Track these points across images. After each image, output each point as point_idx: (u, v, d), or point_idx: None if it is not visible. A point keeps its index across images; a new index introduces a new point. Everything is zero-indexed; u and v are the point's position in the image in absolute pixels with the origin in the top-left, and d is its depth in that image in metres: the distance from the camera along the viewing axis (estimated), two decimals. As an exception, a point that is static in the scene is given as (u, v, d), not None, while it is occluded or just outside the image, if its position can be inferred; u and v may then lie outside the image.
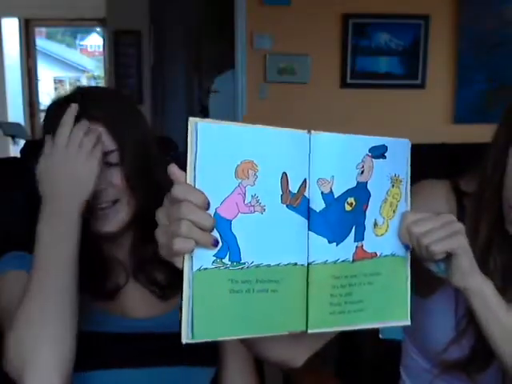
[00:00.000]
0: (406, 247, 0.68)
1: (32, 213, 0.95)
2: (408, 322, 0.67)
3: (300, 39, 3.33)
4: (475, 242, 0.82)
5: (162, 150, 0.96)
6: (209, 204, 0.53)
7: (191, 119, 0.52)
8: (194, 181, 0.52)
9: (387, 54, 3.40)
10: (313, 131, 0.59)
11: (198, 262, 0.53)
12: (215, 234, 0.53)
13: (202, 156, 0.52)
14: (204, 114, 4.82)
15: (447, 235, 0.67)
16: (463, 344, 0.86)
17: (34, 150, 1.01)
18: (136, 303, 0.93)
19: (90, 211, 0.85)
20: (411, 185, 0.71)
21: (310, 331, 0.60)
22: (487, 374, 0.86)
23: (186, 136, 0.53)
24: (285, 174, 0.57)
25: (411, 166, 0.68)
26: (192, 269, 0.52)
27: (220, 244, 0.53)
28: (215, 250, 0.53)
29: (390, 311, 0.66)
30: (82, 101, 0.87)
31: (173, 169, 0.54)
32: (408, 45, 3.40)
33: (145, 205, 0.88)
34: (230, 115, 3.48)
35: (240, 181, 0.54)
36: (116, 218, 0.88)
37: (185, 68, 5.56)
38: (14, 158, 1.02)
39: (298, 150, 0.58)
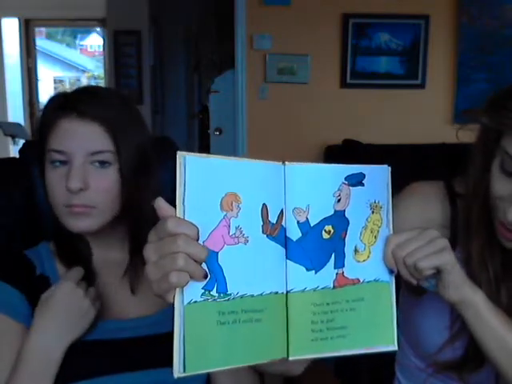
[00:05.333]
0: (391, 272, 0.68)
1: (31, 213, 0.95)
2: (395, 348, 0.67)
3: (300, 39, 3.32)
4: (469, 252, 0.82)
5: (161, 150, 0.95)
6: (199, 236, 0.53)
7: (179, 153, 0.53)
8: (183, 214, 0.53)
9: (387, 54, 3.40)
10: (287, 162, 0.61)
11: (188, 296, 0.53)
12: (203, 266, 0.53)
13: (190, 189, 0.53)
14: (204, 113, 4.82)
15: (433, 252, 0.68)
16: (457, 345, 0.86)
17: (32, 150, 1.00)
18: (123, 304, 0.91)
19: (59, 209, 0.85)
20: (408, 185, 0.71)
21: (290, 358, 0.60)
22: (480, 374, 0.86)
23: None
24: (264, 205, 0.58)
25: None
26: (183, 303, 0.53)
27: (208, 276, 0.54)
28: (204, 283, 0.54)
29: (375, 337, 0.66)
30: (79, 98, 0.86)
31: (160, 203, 0.54)
32: (408, 45, 3.40)
33: (140, 206, 0.87)
34: (230, 115, 3.48)
35: (225, 213, 0.55)
36: (85, 223, 0.85)
37: (185, 68, 5.56)
38: (13, 158, 1.02)
39: (275, 182, 0.60)
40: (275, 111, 3.38)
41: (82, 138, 0.84)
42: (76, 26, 7.59)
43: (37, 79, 6.40)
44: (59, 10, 5.81)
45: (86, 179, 0.84)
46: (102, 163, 0.85)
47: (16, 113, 6.13)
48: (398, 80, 3.43)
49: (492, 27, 3.37)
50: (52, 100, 0.90)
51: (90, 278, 0.88)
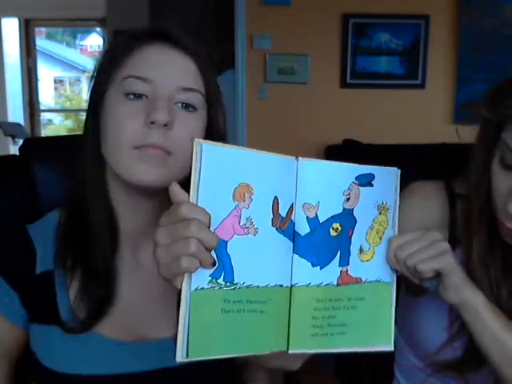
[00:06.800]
0: (396, 271, 0.69)
1: (31, 211, 0.95)
2: (391, 348, 0.68)
3: (300, 39, 3.32)
4: (469, 253, 0.82)
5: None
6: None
7: (196, 140, 0.54)
8: (197, 201, 0.53)
9: (387, 54, 3.40)
10: (300, 158, 0.61)
11: (195, 282, 0.53)
12: (212, 254, 0.54)
13: (205, 177, 0.54)
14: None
15: (433, 255, 0.69)
16: (456, 345, 0.86)
17: (33, 147, 1.00)
18: (153, 319, 0.77)
19: (129, 153, 0.68)
20: (408, 185, 0.72)
21: (290, 351, 0.61)
22: (480, 374, 0.86)
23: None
24: (276, 198, 0.59)
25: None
26: (190, 288, 0.53)
27: (216, 264, 0.54)
28: (211, 270, 0.54)
29: (372, 336, 0.67)
30: (171, 28, 0.75)
31: (176, 189, 0.54)
32: (408, 45, 3.40)
33: None
34: (231, 115, 3.48)
35: (237, 203, 0.56)
36: (160, 171, 0.69)
37: (185, 68, 5.56)
38: (14, 155, 1.02)
39: (287, 176, 0.60)
40: (275, 111, 3.38)
41: (173, 69, 0.72)
42: (76, 26, 7.57)
43: (37, 79, 6.39)
44: (59, 10, 5.80)
45: (172, 117, 0.69)
46: (187, 106, 0.71)
47: (16, 113, 6.12)
48: (398, 80, 3.43)
49: (492, 27, 3.37)
50: (132, 29, 0.76)
51: (108, 284, 0.74)
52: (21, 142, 0.99)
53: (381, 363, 1.07)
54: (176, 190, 0.54)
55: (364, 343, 0.66)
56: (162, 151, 0.68)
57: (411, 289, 0.80)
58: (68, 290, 0.75)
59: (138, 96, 0.70)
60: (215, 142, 0.55)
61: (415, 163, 2.91)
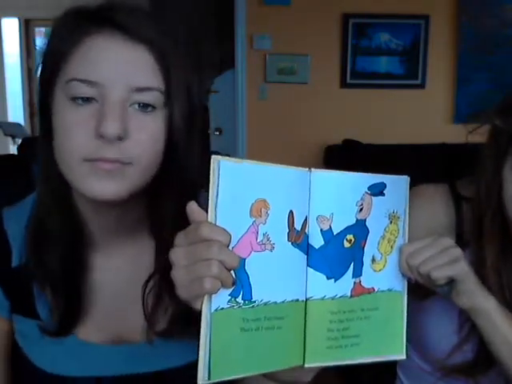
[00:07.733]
0: (408, 279, 0.69)
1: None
2: (403, 357, 0.67)
3: (300, 39, 3.32)
4: (480, 258, 0.82)
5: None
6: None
7: (214, 157, 0.52)
8: (215, 220, 0.52)
9: (387, 54, 3.40)
10: (313, 169, 0.60)
11: (215, 303, 0.52)
12: (231, 273, 0.53)
13: (223, 194, 0.52)
14: (204, 113, 4.81)
15: (446, 262, 0.68)
16: (465, 348, 0.86)
17: (32, 147, 1.00)
18: (134, 320, 0.72)
19: (84, 168, 0.61)
20: (411, 187, 0.72)
21: (306, 365, 0.60)
22: (490, 376, 0.86)
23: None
24: (291, 211, 0.58)
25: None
26: (210, 310, 0.52)
27: (235, 283, 0.54)
28: (230, 290, 0.53)
29: (385, 345, 0.67)
30: (122, 9, 0.63)
31: (194, 207, 0.52)
32: (408, 45, 3.40)
33: (185, 169, 0.67)
34: (230, 115, 3.48)
35: (254, 219, 0.54)
36: (117, 186, 0.61)
37: (185, 68, 5.55)
38: (12, 154, 1.01)
39: (301, 188, 0.59)
40: (275, 111, 3.38)
41: (124, 64, 0.61)
42: (76, 26, 7.59)
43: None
44: (59, 10, 5.80)
45: (125, 124, 0.60)
46: (145, 106, 0.62)
47: (16, 113, 6.12)
48: (398, 80, 3.43)
49: (492, 27, 3.37)
50: (72, 12, 0.65)
51: (76, 298, 0.70)
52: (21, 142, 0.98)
53: (382, 365, 1.07)
54: (194, 209, 0.52)
55: (377, 353, 0.66)
56: (117, 164, 0.60)
57: (417, 292, 0.79)
58: (45, 291, 0.71)
59: (87, 99, 0.60)
60: (232, 158, 0.53)
61: (415, 163, 2.91)
